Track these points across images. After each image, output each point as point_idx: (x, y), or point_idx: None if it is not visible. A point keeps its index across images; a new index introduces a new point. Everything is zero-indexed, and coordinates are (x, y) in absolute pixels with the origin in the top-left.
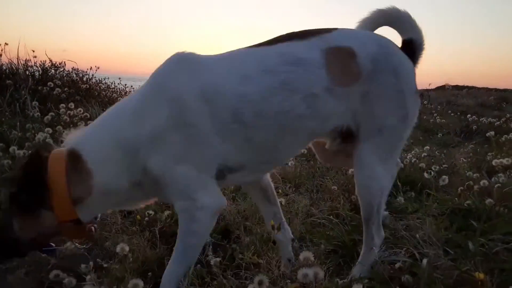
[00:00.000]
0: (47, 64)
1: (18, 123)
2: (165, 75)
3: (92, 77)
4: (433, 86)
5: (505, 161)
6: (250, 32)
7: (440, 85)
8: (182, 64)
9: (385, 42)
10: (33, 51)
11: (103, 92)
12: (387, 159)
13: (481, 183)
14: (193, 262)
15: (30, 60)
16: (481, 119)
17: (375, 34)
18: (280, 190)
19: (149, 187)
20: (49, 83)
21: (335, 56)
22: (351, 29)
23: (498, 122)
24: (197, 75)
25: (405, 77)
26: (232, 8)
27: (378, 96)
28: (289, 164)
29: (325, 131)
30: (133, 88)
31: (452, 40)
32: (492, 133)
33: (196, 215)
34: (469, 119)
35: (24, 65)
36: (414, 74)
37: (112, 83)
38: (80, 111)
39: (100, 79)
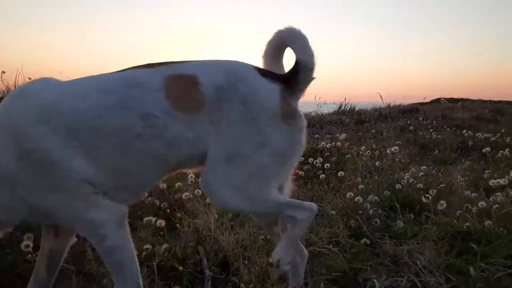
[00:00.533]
0: None
1: None
2: (2, 109)
3: None
4: (428, 99)
5: (502, 181)
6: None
7: (435, 98)
8: (21, 92)
9: (236, 70)
10: (30, 79)
11: None
12: (246, 188)
13: (479, 204)
14: (137, 278)
15: None
16: (476, 134)
17: (230, 62)
18: None
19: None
20: None
21: (175, 82)
22: (207, 60)
23: (493, 138)
24: (35, 98)
25: (257, 105)
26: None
27: (227, 124)
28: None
29: (181, 158)
30: None
31: (446, 53)
32: (488, 149)
33: (102, 233)
34: (465, 134)
35: None
36: (276, 99)
37: None
38: None
39: None
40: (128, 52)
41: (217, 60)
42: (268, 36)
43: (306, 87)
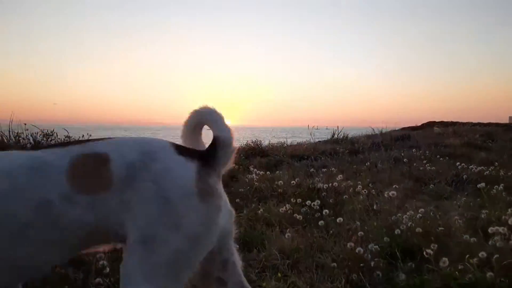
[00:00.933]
0: (39, 135)
1: None
2: None
3: None
4: (419, 123)
5: (501, 229)
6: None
7: (426, 121)
8: None
9: (151, 148)
10: (25, 124)
11: None
12: (155, 277)
13: (480, 254)
14: None
15: (23, 132)
16: (470, 167)
17: (146, 140)
18: (279, 273)
19: None
20: None
21: (83, 162)
22: (125, 137)
23: (487, 171)
24: None
25: (171, 184)
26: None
27: (140, 204)
28: (286, 235)
29: (85, 241)
30: None
31: (436, 78)
32: (483, 184)
33: None
34: (459, 166)
35: (16, 137)
36: (192, 178)
37: None
38: None
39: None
40: (124, 83)
41: (134, 138)
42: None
43: (226, 163)
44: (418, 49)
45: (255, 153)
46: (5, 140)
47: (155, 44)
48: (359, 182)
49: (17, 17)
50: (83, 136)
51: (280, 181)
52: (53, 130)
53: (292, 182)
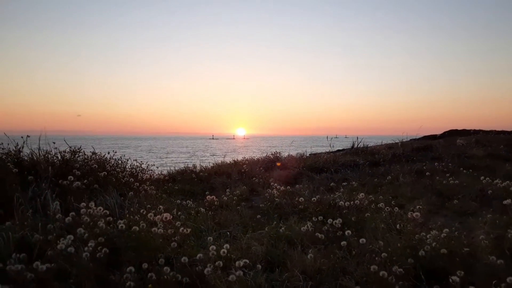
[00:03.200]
0: (67, 154)
1: (40, 224)
2: None
3: (110, 160)
4: (440, 131)
5: None
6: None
7: (448, 129)
8: None
9: None
10: (54, 143)
11: (121, 175)
12: None
13: (508, 280)
14: None
15: (51, 151)
16: (495, 182)
17: None
18: None
19: None
20: (69, 177)
21: None
22: None
23: None
24: None
25: None
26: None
27: None
28: (308, 256)
29: None
30: (150, 166)
31: (457, 84)
32: (509, 201)
33: None
34: (483, 181)
35: (45, 155)
36: None
37: (128, 161)
38: (100, 209)
39: (117, 159)
40: (148, 98)
41: None
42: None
43: None
44: (439, 56)
45: (274, 166)
46: (35, 158)
47: (175, 55)
48: (381, 196)
49: (43, 33)
50: (108, 153)
51: (301, 198)
52: (80, 147)
53: (313, 199)
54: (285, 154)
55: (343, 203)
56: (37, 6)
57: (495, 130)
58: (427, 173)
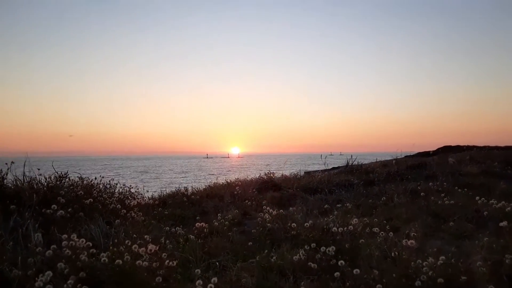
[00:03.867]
0: (52, 180)
1: (19, 258)
2: None
3: (97, 185)
4: (434, 147)
5: None
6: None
7: (442, 146)
8: None
9: None
10: (38, 169)
11: (108, 201)
12: None
13: None
14: None
15: (36, 177)
16: (490, 202)
17: None
18: None
19: None
20: (52, 206)
21: None
22: None
23: (509, 208)
24: None
25: None
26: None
27: None
28: None
29: None
30: (140, 190)
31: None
32: (505, 223)
33: None
34: (478, 201)
35: (29, 182)
36: None
37: (117, 186)
38: (82, 241)
39: (106, 183)
40: (141, 117)
41: None
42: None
43: None
44: (433, 71)
45: (268, 187)
46: (19, 185)
47: (171, 75)
48: (376, 219)
49: (33, 52)
50: (95, 178)
51: (294, 224)
52: (67, 172)
53: (305, 224)
54: (279, 173)
55: (336, 228)
56: (20, 24)
57: (488, 146)
58: (422, 194)
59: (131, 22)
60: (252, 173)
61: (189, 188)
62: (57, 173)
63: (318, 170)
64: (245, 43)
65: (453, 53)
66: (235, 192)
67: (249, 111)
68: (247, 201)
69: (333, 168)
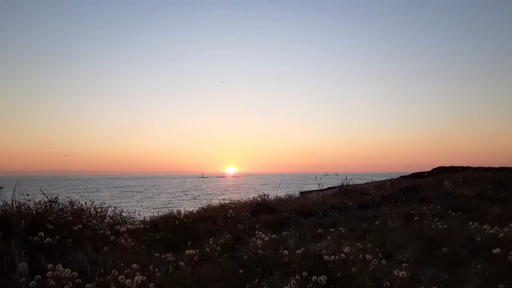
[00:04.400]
0: (42, 205)
1: None
2: None
3: (87, 210)
4: (429, 167)
5: None
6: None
7: (436, 167)
8: None
9: None
10: (27, 195)
11: (97, 227)
12: None
13: None
14: None
15: (25, 202)
16: (484, 227)
17: None
18: None
19: None
20: (40, 233)
21: None
22: None
23: (502, 234)
24: None
25: None
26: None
27: None
28: None
29: None
30: (131, 214)
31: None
32: (498, 250)
33: None
34: (472, 226)
35: (18, 208)
36: None
37: (107, 210)
38: (68, 271)
39: (97, 207)
40: (136, 137)
41: None
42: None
43: None
44: (425, 90)
45: (262, 209)
46: (7, 210)
47: (166, 93)
48: (369, 244)
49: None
50: (85, 203)
51: (285, 251)
52: (57, 197)
53: (297, 251)
54: (274, 194)
55: (328, 257)
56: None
57: (482, 167)
58: (416, 218)
59: (125, 46)
60: (247, 194)
61: (182, 211)
62: (47, 197)
63: (313, 191)
64: (241, 60)
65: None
66: (228, 215)
67: (245, 131)
68: (240, 225)
69: (329, 188)
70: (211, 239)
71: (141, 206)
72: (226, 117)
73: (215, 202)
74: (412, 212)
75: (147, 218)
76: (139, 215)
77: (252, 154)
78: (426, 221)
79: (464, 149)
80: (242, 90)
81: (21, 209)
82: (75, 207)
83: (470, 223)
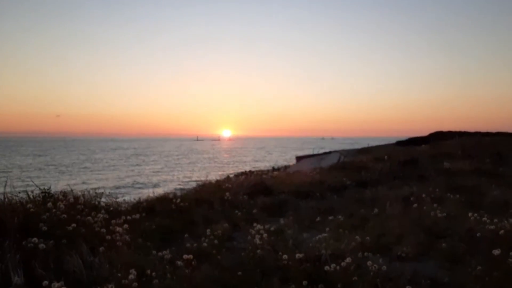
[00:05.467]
0: (35, 200)
1: None
2: None
3: (81, 203)
4: (427, 132)
5: None
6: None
7: (434, 131)
8: None
9: None
10: (19, 193)
11: (92, 221)
12: None
13: None
14: None
15: (16, 197)
16: (483, 219)
17: None
18: None
19: None
20: (33, 239)
21: None
22: None
23: (502, 231)
24: None
25: None
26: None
27: None
28: None
29: None
30: (126, 199)
31: (441, 85)
32: (498, 251)
33: None
34: (471, 218)
35: (10, 202)
36: None
37: (102, 195)
38: (61, 284)
39: (93, 196)
40: (130, 98)
41: None
42: None
43: None
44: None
45: (259, 190)
46: None
47: (161, 54)
48: (368, 237)
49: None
50: (82, 194)
51: (285, 255)
52: (50, 188)
53: (297, 255)
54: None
55: (328, 267)
56: None
57: (480, 132)
58: (415, 205)
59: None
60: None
61: (178, 193)
62: (40, 189)
63: (310, 155)
64: (240, 23)
65: (454, 35)
66: (226, 197)
67: (242, 94)
68: (237, 211)
69: (325, 153)
70: (208, 229)
71: (138, 171)
72: (223, 80)
73: (211, 175)
74: (411, 195)
75: (143, 198)
76: (132, 198)
77: (249, 118)
78: (424, 207)
79: (462, 113)
80: (240, 53)
81: (13, 206)
82: (68, 198)
83: (470, 214)
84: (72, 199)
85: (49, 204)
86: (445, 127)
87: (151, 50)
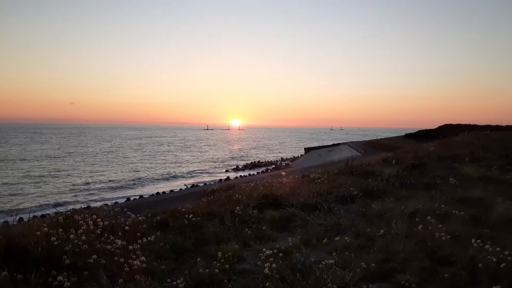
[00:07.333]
0: (57, 236)
1: None
2: None
3: (102, 231)
4: (437, 124)
5: None
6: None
7: (443, 124)
8: None
9: None
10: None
11: (111, 248)
12: None
13: None
14: None
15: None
16: (486, 247)
17: None
18: None
19: None
20: (59, 277)
21: None
22: None
23: (503, 264)
24: None
25: None
26: None
27: None
28: None
29: None
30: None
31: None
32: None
33: None
34: (474, 244)
35: (31, 229)
36: None
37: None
38: None
39: (112, 219)
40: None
41: None
42: None
43: None
44: (438, 50)
45: (268, 202)
46: (19, 237)
47: (175, 45)
48: (373, 264)
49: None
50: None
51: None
52: (74, 210)
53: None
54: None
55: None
56: None
57: (489, 125)
58: (420, 226)
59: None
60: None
61: (189, 206)
62: (57, 212)
63: (319, 147)
64: (250, 15)
65: (464, 31)
66: (236, 211)
67: (252, 84)
68: (247, 229)
69: (333, 145)
70: (220, 252)
71: (155, 163)
72: (234, 70)
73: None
74: (417, 211)
75: (159, 211)
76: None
77: (259, 108)
78: (430, 227)
79: (471, 106)
80: (252, 45)
81: (36, 235)
82: (87, 220)
83: (473, 240)
84: (91, 225)
85: (72, 236)
86: (455, 120)
87: (167, 42)
